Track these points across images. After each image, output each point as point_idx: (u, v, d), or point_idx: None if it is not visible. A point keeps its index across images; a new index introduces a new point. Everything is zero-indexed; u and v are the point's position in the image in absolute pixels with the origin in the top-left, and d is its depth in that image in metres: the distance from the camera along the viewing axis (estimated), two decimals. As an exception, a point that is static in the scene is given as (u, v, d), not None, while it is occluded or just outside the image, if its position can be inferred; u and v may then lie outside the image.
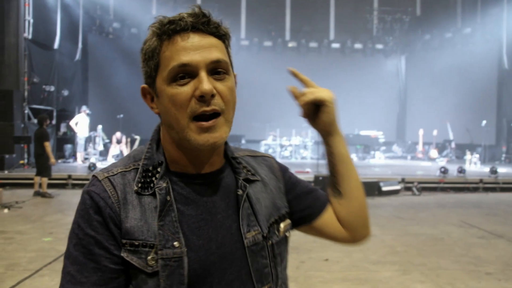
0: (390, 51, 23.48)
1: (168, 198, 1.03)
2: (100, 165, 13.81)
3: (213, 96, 0.99)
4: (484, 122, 17.78)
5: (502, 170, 13.89)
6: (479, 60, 19.52)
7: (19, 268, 5.26)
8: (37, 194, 10.32)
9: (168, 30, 1.01)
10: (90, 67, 19.02)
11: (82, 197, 1.05)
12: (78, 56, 17.56)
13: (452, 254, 6.07)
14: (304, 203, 1.25)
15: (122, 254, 1.00)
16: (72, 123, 15.71)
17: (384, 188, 11.46)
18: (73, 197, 10.21)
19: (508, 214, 9.21)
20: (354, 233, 1.28)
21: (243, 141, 19.97)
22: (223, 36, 1.06)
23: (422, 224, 8.06)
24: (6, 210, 8.64)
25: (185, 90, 0.99)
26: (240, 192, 1.11)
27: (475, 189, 12.33)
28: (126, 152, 16.65)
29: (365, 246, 6.40)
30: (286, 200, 1.23)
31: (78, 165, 14.91)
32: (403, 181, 12.26)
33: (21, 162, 13.52)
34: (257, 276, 1.08)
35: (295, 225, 1.25)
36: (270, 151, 19.53)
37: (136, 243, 1.00)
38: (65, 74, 16.60)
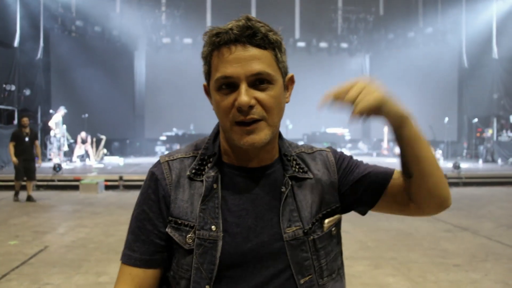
0: (354, 50, 23.86)
1: (215, 186, 1.15)
2: (65, 166, 13.51)
3: (251, 107, 1.06)
4: (446, 119, 18.26)
5: (464, 165, 14.27)
6: (441, 59, 20.04)
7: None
8: (31, 199, 9.76)
9: (215, 42, 1.09)
10: (52, 66, 18.54)
11: (147, 175, 1.22)
12: (39, 54, 17.09)
13: (421, 248, 6.21)
14: (367, 181, 1.24)
15: (167, 230, 1.15)
16: (51, 123, 15.33)
17: (352, 185, 11.60)
18: (38, 199, 9.93)
19: (471, 207, 9.47)
20: (430, 205, 1.22)
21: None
22: (271, 45, 1.10)
23: (391, 220, 8.19)
24: (-33, 214, 8.36)
25: (227, 99, 1.08)
26: (283, 189, 1.18)
27: (439, 184, 12.61)
28: (91, 152, 16.37)
29: (337, 242, 6.47)
30: (338, 195, 1.26)
31: (41, 166, 14.51)
32: (370, 177, 12.44)
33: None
34: (297, 268, 1.14)
35: (368, 205, 1.25)
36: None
37: (179, 222, 1.14)
38: (26, 73, 16.14)
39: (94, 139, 16.63)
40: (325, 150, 1.33)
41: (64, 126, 16.26)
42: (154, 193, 1.17)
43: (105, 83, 17.00)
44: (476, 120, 18.33)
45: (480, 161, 17.37)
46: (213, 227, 1.11)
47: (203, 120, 21.72)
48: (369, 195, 1.24)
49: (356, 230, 7.36)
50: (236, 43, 1.06)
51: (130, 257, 1.17)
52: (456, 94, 20.10)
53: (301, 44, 23.40)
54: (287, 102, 1.19)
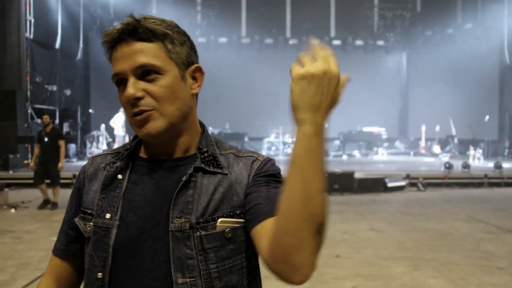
0: (391, 48, 23.47)
1: (120, 176, 1.16)
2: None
3: (139, 98, 1.08)
4: (487, 117, 17.77)
5: (505, 165, 13.88)
6: (481, 56, 19.49)
7: (30, 267, 5.26)
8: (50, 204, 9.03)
9: (104, 43, 1.13)
10: (91, 66, 18.98)
11: None
12: (79, 55, 17.53)
13: (462, 249, 6.07)
14: (253, 203, 1.10)
15: (75, 219, 1.19)
16: (111, 122, 15.93)
17: (390, 184, 11.46)
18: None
19: (514, 209, 9.21)
20: (275, 259, 0.96)
21: (246, 139, 19.98)
22: (157, 37, 1.11)
23: (429, 220, 8.05)
24: (13, 210, 8.64)
25: (122, 95, 1.11)
26: (183, 178, 1.12)
27: (480, 185, 12.32)
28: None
29: (375, 242, 6.41)
30: (244, 199, 1.14)
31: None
32: (408, 177, 12.26)
33: (26, 162, 13.49)
34: (177, 264, 1.06)
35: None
36: (273, 149, 19.54)
37: (85, 211, 1.17)
38: (67, 74, 16.58)
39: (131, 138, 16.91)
40: (256, 157, 1.20)
41: (103, 125, 16.63)
42: (74, 187, 1.24)
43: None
44: (518, 118, 17.78)
45: (523, 160, 16.85)
46: (107, 215, 1.12)
47: (239, 119, 21.92)
48: (250, 214, 1.09)
49: (392, 229, 7.26)
50: (120, 41, 1.10)
51: (54, 247, 1.24)
52: (497, 92, 19.52)
53: (336, 42, 23.16)
54: (195, 93, 1.17)
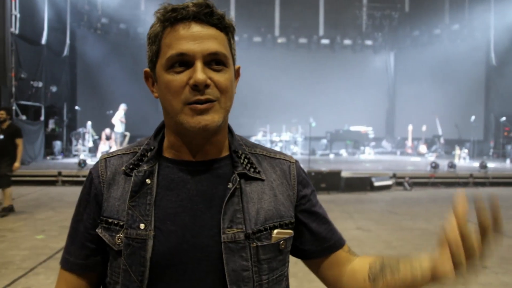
0: (379, 47, 23.60)
1: (148, 181, 1.06)
2: (90, 161, 13.70)
3: (207, 86, 1.00)
4: (473, 117, 17.93)
5: (490, 165, 14.00)
6: (467, 56, 19.68)
7: (13, 267, 5.17)
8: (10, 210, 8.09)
9: (171, 17, 1.02)
10: (78, 63, 18.79)
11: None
12: (66, 51, 17.32)
13: (448, 249, 6.09)
14: (317, 229, 1.18)
15: (97, 231, 1.07)
16: (114, 120, 15.93)
17: (376, 184, 11.50)
18: (64, 194, 10.09)
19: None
20: None
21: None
22: (226, 28, 1.06)
23: (415, 219, 8.09)
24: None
25: (180, 77, 1.01)
26: (230, 185, 1.07)
27: (465, 184, 12.42)
28: (115, 148, 16.52)
29: (362, 241, 6.42)
30: (293, 211, 1.15)
31: (68, 162, 14.75)
32: (394, 176, 12.32)
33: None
34: (233, 277, 1.02)
35: (304, 254, 1.20)
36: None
37: (110, 221, 1.06)
38: (53, 70, 16.37)
39: (118, 136, 16.79)
40: (289, 160, 1.21)
41: (89, 122, 16.48)
42: (87, 193, 1.11)
43: (130, 80, 17.09)
44: (503, 118, 17.95)
45: (508, 160, 17.02)
46: (141, 225, 1.02)
47: (231, 115, 21.73)
48: (315, 245, 1.18)
49: (379, 228, 7.29)
50: (194, 20, 1.02)
51: (67, 261, 1.12)
52: (483, 92, 19.72)
53: (325, 41, 23.25)
54: (234, 93, 1.11)
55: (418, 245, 6.25)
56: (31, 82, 14.81)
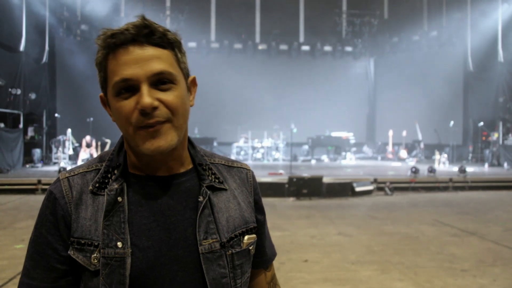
0: (359, 54, 23.85)
1: (120, 199, 1.05)
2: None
3: (155, 108, 0.99)
4: (451, 122, 18.21)
5: (469, 169, 14.22)
6: (446, 63, 20.02)
7: (-8, 277, 5.09)
8: None
9: (110, 44, 1.01)
10: (58, 70, 18.63)
11: (45, 195, 1.10)
12: (45, 58, 17.16)
13: (427, 252, 6.17)
14: (259, 242, 1.24)
15: (69, 252, 1.04)
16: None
17: (357, 189, 11.58)
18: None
19: (478, 212, 9.42)
20: None
21: (215, 144, 19.91)
22: (171, 44, 1.05)
23: (396, 224, 8.17)
24: (-27, 217, 8.35)
25: (128, 103, 1.00)
26: (200, 198, 1.10)
27: (445, 188, 12.58)
28: (96, 155, 16.39)
29: (343, 246, 6.46)
30: (254, 216, 1.21)
31: (48, 170, 14.57)
32: (375, 181, 12.42)
33: (-12, 167, 13.12)
34: (213, 285, 1.06)
35: None
36: (242, 153, 19.55)
37: (83, 242, 1.03)
38: (32, 77, 16.21)
39: (99, 143, 16.67)
40: (245, 168, 1.26)
41: (69, 129, 16.32)
42: (52, 214, 1.05)
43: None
44: (481, 123, 18.25)
45: (486, 165, 17.28)
46: (119, 243, 1.01)
47: (208, 123, 21.80)
48: (255, 255, 1.22)
49: (360, 233, 7.33)
50: (133, 43, 1.00)
51: (30, 286, 1.05)
52: (462, 98, 20.05)
53: (305, 47, 23.41)
54: (191, 106, 1.12)
55: (398, 250, 6.31)
56: (10, 89, 14.64)
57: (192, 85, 1.14)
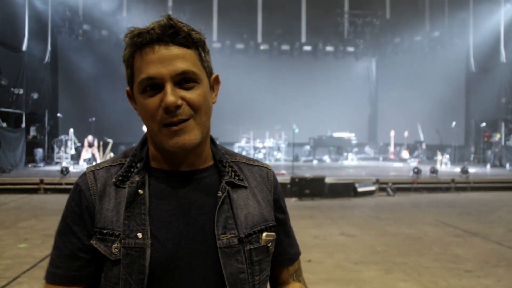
0: (361, 54, 23.84)
1: (141, 191, 1.09)
2: (73, 169, 13.56)
3: (178, 107, 1.03)
4: (453, 123, 18.19)
5: (471, 170, 14.20)
6: (448, 63, 20.01)
7: (-5, 276, 5.10)
8: None
9: (137, 42, 1.05)
10: (60, 69, 18.64)
11: (72, 187, 1.15)
12: (47, 58, 17.18)
13: (431, 253, 6.16)
14: (283, 239, 1.26)
15: (91, 242, 1.08)
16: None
17: (360, 189, 11.58)
18: (46, 202, 9.97)
19: (480, 212, 9.41)
20: None
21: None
22: (194, 44, 1.08)
23: (399, 224, 8.16)
24: (-24, 217, 8.36)
25: (153, 100, 1.04)
26: (219, 193, 1.12)
27: (447, 189, 12.57)
28: (98, 155, 16.41)
29: (346, 246, 6.46)
30: (273, 214, 1.22)
31: (50, 170, 14.57)
32: (377, 182, 12.41)
33: (-10, 166, 13.13)
34: (231, 280, 1.08)
35: None
36: (243, 153, 19.51)
37: (104, 232, 1.07)
38: (34, 77, 16.23)
39: (101, 143, 16.66)
40: (266, 167, 1.28)
41: (71, 129, 16.33)
42: (77, 205, 1.10)
43: (112, 87, 17.02)
44: (483, 124, 18.23)
45: (488, 165, 17.27)
46: (139, 234, 1.05)
47: (215, 122, 21.66)
48: (275, 254, 1.23)
49: (363, 233, 7.33)
50: (158, 42, 1.04)
51: (54, 275, 1.09)
52: (464, 98, 20.04)
53: (307, 48, 23.41)
54: (214, 103, 1.15)
55: (401, 250, 6.31)
56: (12, 89, 14.65)
57: (215, 82, 1.17)
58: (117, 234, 1.06)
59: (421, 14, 22.78)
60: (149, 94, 1.05)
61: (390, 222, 8.35)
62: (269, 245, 1.17)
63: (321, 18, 23.60)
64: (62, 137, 16.48)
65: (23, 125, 15.54)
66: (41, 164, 15.80)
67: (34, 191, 11.51)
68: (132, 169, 1.13)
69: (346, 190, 11.43)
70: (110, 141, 16.68)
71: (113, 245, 1.06)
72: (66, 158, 15.88)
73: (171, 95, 1.02)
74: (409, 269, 5.41)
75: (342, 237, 7.13)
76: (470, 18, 19.09)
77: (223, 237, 1.09)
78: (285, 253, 1.28)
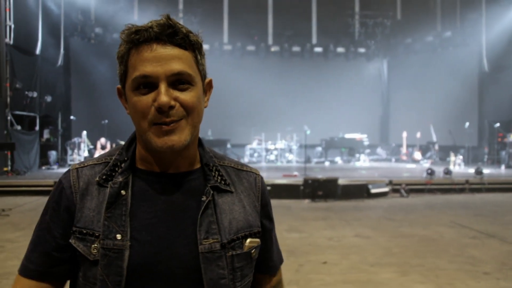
0: (372, 55, 23.72)
1: (123, 192, 1.08)
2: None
3: (171, 107, 1.02)
4: (467, 124, 18.04)
5: (485, 171, 14.07)
6: (460, 63, 19.86)
7: (14, 277, 5.11)
8: None
9: (134, 39, 1.04)
10: (73, 73, 18.79)
11: (56, 183, 1.16)
12: (60, 61, 17.32)
13: (447, 255, 6.12)
14: (265, 248, 1.25)
15: (70, 241, 1.07)
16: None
17: (373, 191, 11.52)
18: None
19: (496, 214, 9.33)
20: None
21: (228, 146, 19.94)
22: (192, 46, 1.08)
23: (413, 226, 8.11)
24: (-8, 219, 8.45)
25: (145, 99, 1.03)
26: (204, 198, 1.11)
27: (461, 190, 12.47)
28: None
29: (361, 248, 6.43)
30: (259, 221, 1.21)
31: (63, 172, 14.65)
32: (390, 183, 12.35)
33: (5, 169, 13.25)
34: (210, 285, 1.07)
35: None
36: (255, 155, 19.56)
37: (84, 231, 1.06)
38: (47, 80, 16.35)
39: (114, 145, 16.75)
40: (254, 172, 1.27)
41: (85, 132, 16.45)
42: (56, 202, 1.11)
43: (124, 89, 17.13)
44: (497, 124, 18.06)
45: (502, 166, 17.11)
46: (118, 235, 1.04)
47: (221, 125, 21.80)
48: (259, 260, 1.23)
49: (378, 235, 7.30)
50: (156, 41, 1.03)
51: (27, 269, 1.11)
52: (477, 99, 19.87)
53: (318, 49, 23.35)
54: (205, 107, 1.15)
55: (417, 252, 6.27)
56: (26, 92, 14.77)
57: (208, 87, 1.17)
58: (97, 234, 1.05)
59: (433, 14, 22.64)
60: (142, 92, 1.04)
61: (404, 224, 8.30)
62: (252, 251, 1.16)
63: (332, 19, 23.53)
64: (75, 139, 16.61)
65: (37, 128, 15.67)
66: (55, 166, 15.91)
67: (48, 193, 11.46)
68: (117, 169, 1.12)
69: (359, 191, 11.38)
70: (123, 143, 16.71)
71: (92, 245, 1.05)
72: (79, 161, 15.96)
73: (165, 95, 1.01)
74: (426, 271, 5.38)
75: (356, 238, 7.10)
76: (483, 17, 18.94)
77: (205, 241, 1.08)
78: (270, 260, 1.29)
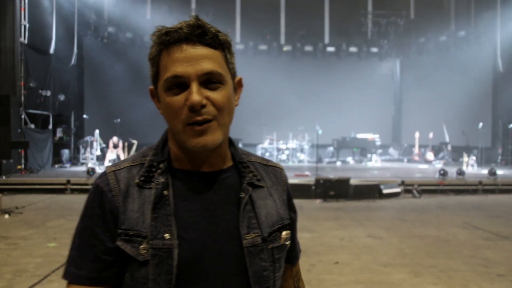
0: (385, 55, 23.58)
1: (166, 192, 1.09)
2: (98, 169, 13.73)
3: (203, 106, 1.05)
4: (480, 124, 17.86)
5: (499, 172, 13.93)
6: (474, 63, 19.65)
7: (27, 274, 5.19)
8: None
9: (164, 41, 1.06)
10: (86, 72, 18.92)
11: (91, 188, 1.15)
12: (73, 60, 17.44)
13: (461, 256, 6.07)
14: (292, 237, 1.28)
15: (117, 243, 1.08)
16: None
17: (385, 191, 11.46)
18: (73, 202, 10.11)
19: (510, 215, 9.24)
20: None
21: (240, 145, 19.88)
22: (221, 45, 1.10)
23: (426, 226, 8.06)
24: (6, 216, 8.54)
25: (178, 99, 1.05)
26: (242, 194, 1.15)
27: (474, 191, 12.35)
28: (122, 156, 16.58)
29: (373, 248, 6.40)
30: (288, 212, 1.25)
31: (76, 170, 14.79)
32: (403, 183, 12.27)
33: (19, 167, 13.37)
34: (255, 277, 1.11)
35: None
36: (267, 155, 19.54)
37: (131, 233, 1.07)
38: (61, 79, 16.48)
39: (126, 144, 16.84)
40: (278, 167, 1.32)
41: (97, 130, 16.55)
42: (99, 207, 1.10)
43: (137, 89, 17.19)
44: (511, 125, 17.87)
45: (516, 167, 16.93)
46: (166, 235, 1.06)
47: (233, 125, 21.49)
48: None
49: (390, 236, 7.26)
50: (186, 42, 1.05)
51: (77, 276, 1.09)
52: (491, 99, 19.66)
53: (330, 49, 23.24)
54: (236, 106, 1.17)
55: (430, 253, 6.22)
56: (40, 91, 14.90)
57: (238, 85, 1.19)
58: (144, 235, 1.07)
59: (446, 13, 22.45)
60: (175, 93, 1.06)
61: (417, 224, 8.25)
62: (287, 243, 1.21)
63: (345, 19, 23.43)
64: (88, 138, 16.72)
65: (50, 126, 15.80)
66: (67, 165, 16.04)
67: (61, 191, 11.69)
68: (154, 169, 1.13)
69: (371, 191, 11.33)
70: (135, 142, 16.85)
71: (141, 246, 1.06)
72: (92, 159, 16.10)
73: (196, 94, 1.03)
74: (438, 272, 5.34)
75: (368, 239, 7.07)
76: (498, 17, 18.74)
77: (247, 236, 1.11)
78: (294, 250, 1.31)
